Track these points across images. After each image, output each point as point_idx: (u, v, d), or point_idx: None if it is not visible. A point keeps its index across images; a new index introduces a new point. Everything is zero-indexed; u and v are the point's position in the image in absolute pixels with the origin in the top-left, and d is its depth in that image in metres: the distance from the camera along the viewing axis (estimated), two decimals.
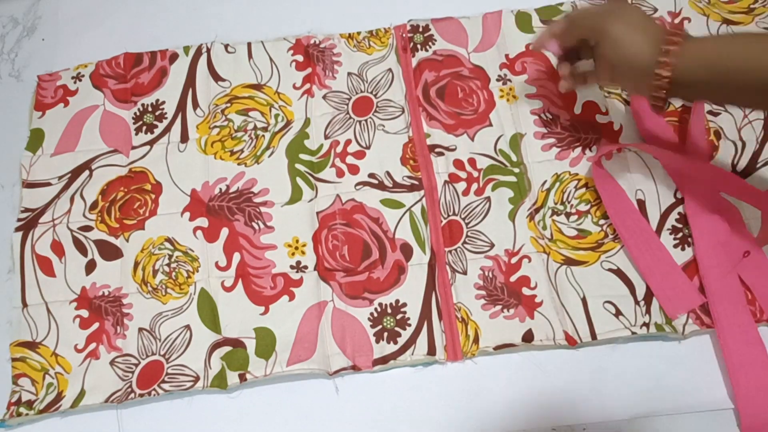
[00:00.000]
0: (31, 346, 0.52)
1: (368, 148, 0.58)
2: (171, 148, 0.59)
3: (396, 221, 0.55)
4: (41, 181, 0.58)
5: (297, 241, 0.55)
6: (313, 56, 0.62)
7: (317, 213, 0.56)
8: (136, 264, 0.55)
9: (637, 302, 0.51)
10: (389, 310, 0.52)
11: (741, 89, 0.42)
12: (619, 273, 0.52)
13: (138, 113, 0.61)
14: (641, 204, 0.54)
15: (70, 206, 0.57)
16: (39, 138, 0.60)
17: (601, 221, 0.54)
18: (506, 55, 0.61)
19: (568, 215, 0.54)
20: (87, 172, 0.58)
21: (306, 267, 0.54)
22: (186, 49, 0.63)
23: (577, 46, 0.52)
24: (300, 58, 0.62)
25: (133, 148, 0.59)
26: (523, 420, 0.48)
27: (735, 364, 0.47)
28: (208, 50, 0.63)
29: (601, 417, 0.48)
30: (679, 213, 0.54)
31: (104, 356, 0.52)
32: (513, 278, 0.52)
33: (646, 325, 0.50)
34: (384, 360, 0.50)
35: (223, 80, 0.62)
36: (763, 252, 0.51)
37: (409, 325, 0.51)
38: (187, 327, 0.52)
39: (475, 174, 0.56)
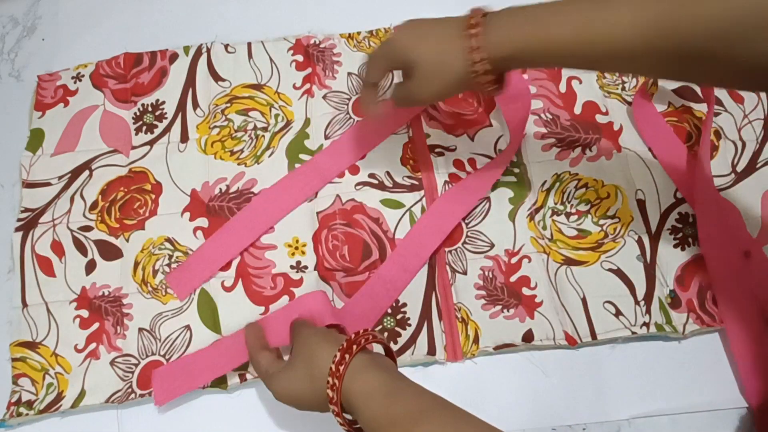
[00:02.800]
0: (31, 346, 0.52)
1: None
2: (171, 148, 0.59)
3: (396, 221, 0.55)
4: (41, 181, 0.58)
5: (297, 241, 0.55)
6: (313, 56, 0.62)
7: (317, 213, 0.56)
8: (136, 264, 0.55)
9: (637, 302, 0.51)
10: (389, 311, 0.52)
11: (561, 61, 0.40)
12: (619, 273, 0.52)
13: (138, 113, 0.61)
14: (641, 204, 0.54)
15: (70, 206, 0.57)
16: (39, 138, 0.60)
17: (601, 221, 0.54)
18: None
19: (568, 215, 0.54)
20: (87, 172, 0.58)
21: (306, 267, 0.54)
22: (186, 49, 0.63)
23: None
24: (300, 58, 0.62)
25: (133, 148, 0.59)
26: (523, 420, 0.48)
27: (745, 360, 0.47)
28: (208, 50, 0.63)
29: (601, 417, 0.48)
30: (679, 213, 0.54)
31: (104, 356, 0.52)
32: (513, 278, 0.52)
33: (646, 325, 0.50)
34: None
35: (223, 80, 0.62)
36: (763, 252, 0.51)
37: (409, 325, 0.51)
38: (187, 327, 0.52)
39: None
